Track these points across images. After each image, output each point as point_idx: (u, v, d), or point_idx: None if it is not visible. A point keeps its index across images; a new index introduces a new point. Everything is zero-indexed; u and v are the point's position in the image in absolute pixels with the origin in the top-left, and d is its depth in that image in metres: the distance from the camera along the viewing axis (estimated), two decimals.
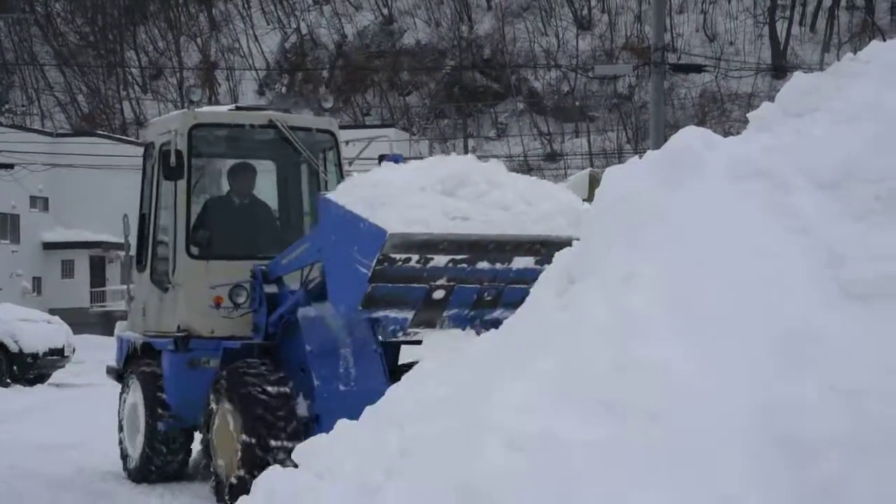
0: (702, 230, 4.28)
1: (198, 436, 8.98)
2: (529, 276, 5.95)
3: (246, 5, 72.66)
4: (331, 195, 7.01)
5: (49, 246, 49.49)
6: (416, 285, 6.70)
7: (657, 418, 3.79)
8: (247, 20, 71.45)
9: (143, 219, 9.74)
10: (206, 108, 9.72)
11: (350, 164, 9.65)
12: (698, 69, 26.83)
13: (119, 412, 9.70)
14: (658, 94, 20.75)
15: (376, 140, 9.90)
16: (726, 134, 5.53)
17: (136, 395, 9.31)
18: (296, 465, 5.21)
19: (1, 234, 47.65)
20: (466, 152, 16.49)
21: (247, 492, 5.47)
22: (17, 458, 10.46)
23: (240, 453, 7.50)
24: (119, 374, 9.96)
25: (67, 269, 49.81)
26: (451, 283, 6.78)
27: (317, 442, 5.23)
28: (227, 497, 7.55)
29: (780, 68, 53.66)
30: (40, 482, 9.30)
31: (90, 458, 10.50)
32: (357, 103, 66.20)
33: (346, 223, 6.70)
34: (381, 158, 7.71)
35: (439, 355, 5.69)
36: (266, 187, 9.86)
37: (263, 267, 8.40)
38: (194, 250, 8.94)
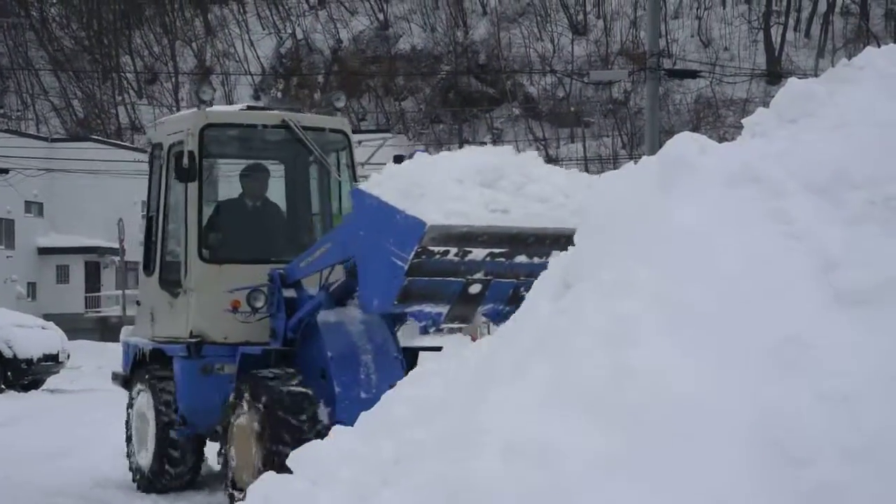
0: (697, 236, 4.28)
1: (208, 443, 8.84)
2: None
3: (241, 10, 72.61)
4: (364, 186, 6.77)
5: (44, 251, 49.48)
6: (452, 279, 6.53)
7: (652, 424, 3.79)
8: (242, 25, 71.38)
9: (150, 222, 9.48)
10: (217, 108, 9.47)
11: (363, 166, 9.45)
12: (693, 75, 26.96)
13: (126, 422, 9.45)
14: (653, 100, 20.78)
15: (365, 144, 9.78)
16: (721, 140, 5.53)
17: (145, 403, 9.08)
18: None
19: None
20: None
21: None
22: (12, 464, 10.39)
23: (261, 461, 7.28)
24: (125, 381, 9.68)
25: (62, 275, 49.80)
26: (489, 277, 6.60)
27: (312, 448, 5.19)
28: None
29: (774, 74, 53.69)
30: (35, 488, 9.24)
31: (85, 463, 10.40)
32: (353, 108, 66.19)
33: (382, 215, 6.43)
34: (398, 159, 7.39)
35: (436, 359, 5.67)
36: (278, 189, 9.64)
37: (281, 270, 8.14)
38: (207, 254, 8.72)
